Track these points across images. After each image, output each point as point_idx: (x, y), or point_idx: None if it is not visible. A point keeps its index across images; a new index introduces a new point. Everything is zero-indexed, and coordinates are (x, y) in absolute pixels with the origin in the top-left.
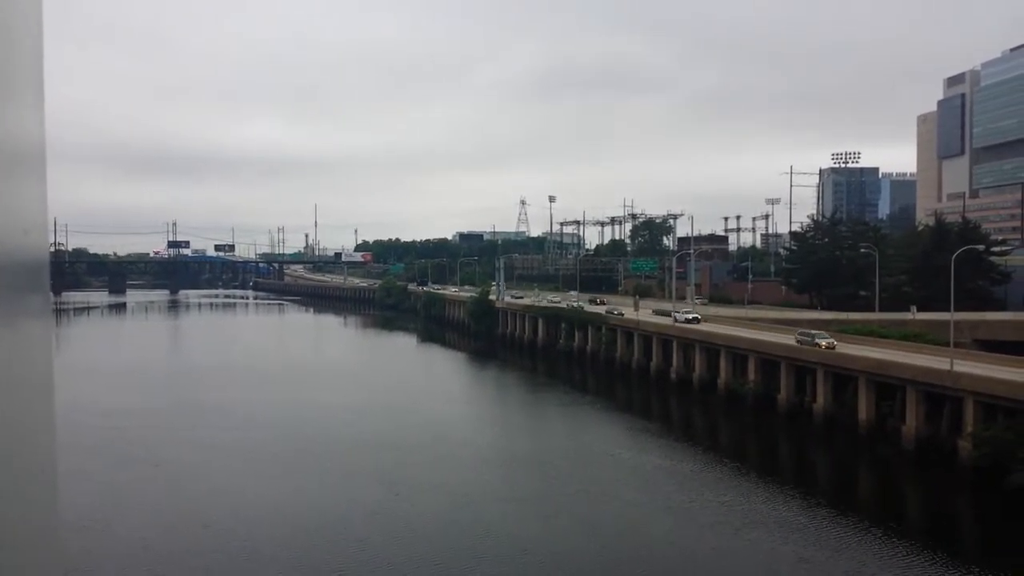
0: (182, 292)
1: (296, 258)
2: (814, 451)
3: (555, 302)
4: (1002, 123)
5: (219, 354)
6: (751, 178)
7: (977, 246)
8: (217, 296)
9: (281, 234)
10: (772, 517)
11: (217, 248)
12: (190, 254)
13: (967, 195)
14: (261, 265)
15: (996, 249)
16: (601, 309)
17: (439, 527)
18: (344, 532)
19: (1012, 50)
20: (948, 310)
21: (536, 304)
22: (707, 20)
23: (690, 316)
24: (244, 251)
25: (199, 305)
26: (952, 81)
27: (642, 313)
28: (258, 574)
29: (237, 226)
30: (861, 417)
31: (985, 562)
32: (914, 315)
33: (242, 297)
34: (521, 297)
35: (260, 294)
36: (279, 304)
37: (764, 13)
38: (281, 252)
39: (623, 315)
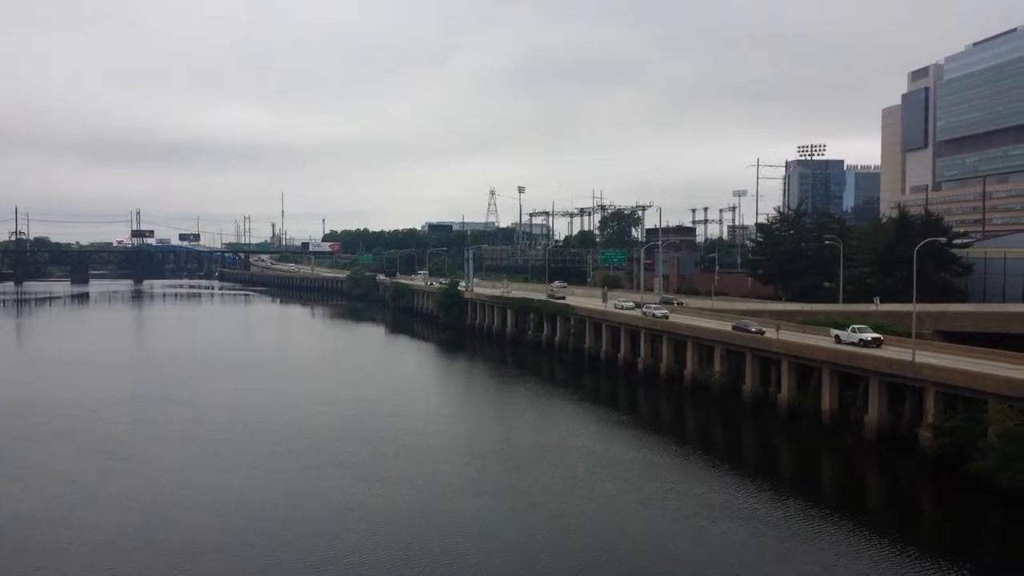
0: (146, 282)
1: (263, 248)
2: (780, 441)
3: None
4: (964, 117)
5: (184, 345)
6: (720, 169)
7: (939, 239)
8: (182, 286)
9: (247, 223)
10: (745, 508)
11: (182, 237)
12: (154, 243)
13: (930, 188)
14: (227, 255)
15: (958, 242)
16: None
17: (412, 521)
18: (316, 527)
19: (975, 44)
20: (911, 301)
21: (505, 295)
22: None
23: (658, 312)
24: (210, 240)
25: (163, 295)
26: (916, 75)
27: (610, 304)
28: (229, 572)
29: (203, 215)
30: (824, 407)
31: (947, 548)
32: (877, 306)
33: (207, 287)
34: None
35: (226, 284)
36: (245, 294)
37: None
38: (247, 242)
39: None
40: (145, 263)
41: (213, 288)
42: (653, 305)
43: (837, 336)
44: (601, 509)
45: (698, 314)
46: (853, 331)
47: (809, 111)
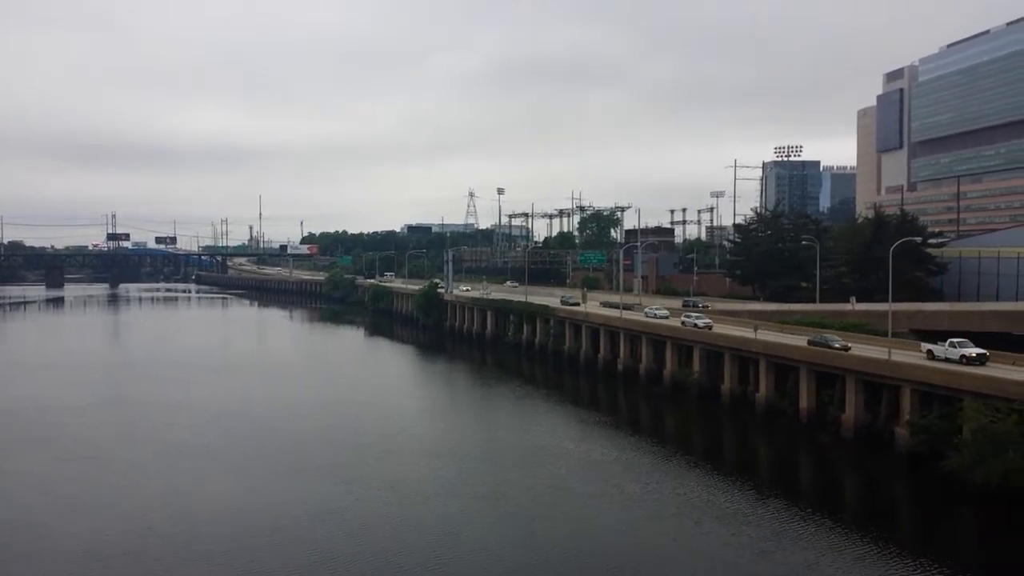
0: (122, 286)
1: (240, 250)
2: (758, 440)
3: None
4: (939, 118)
5: (161, 349)
6: (698, 170)
7: (915, 238)
8: (158, 290)
9: (224, 226)
10: (726, 508)
11: (158, 240)
12: (130, 247)
13: (905, 188)
14: (204, 258)
15: (933, 241)
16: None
17: (394, 525)
18: (297, 532)
19: (949, 46)
20: (887, 301)
21: (485, 296)
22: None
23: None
24: (186, 243)
25: (140, 299)
26: (891, 76)
27: (590, 305)
28: None
29: (179, 218)
30: (802, 406)
31: (923, 545)
32: (853, 306)
33: (184, 291)
34: (468, 290)
35: (203, 287)
36: (222, 298)
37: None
38: (225, 245)
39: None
40: (121, 266)
41: (190, 291)
42: (694, 314)
43: (930, 351)
44: (584, 510)
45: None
46: (952, 346)
47: (787, 113)
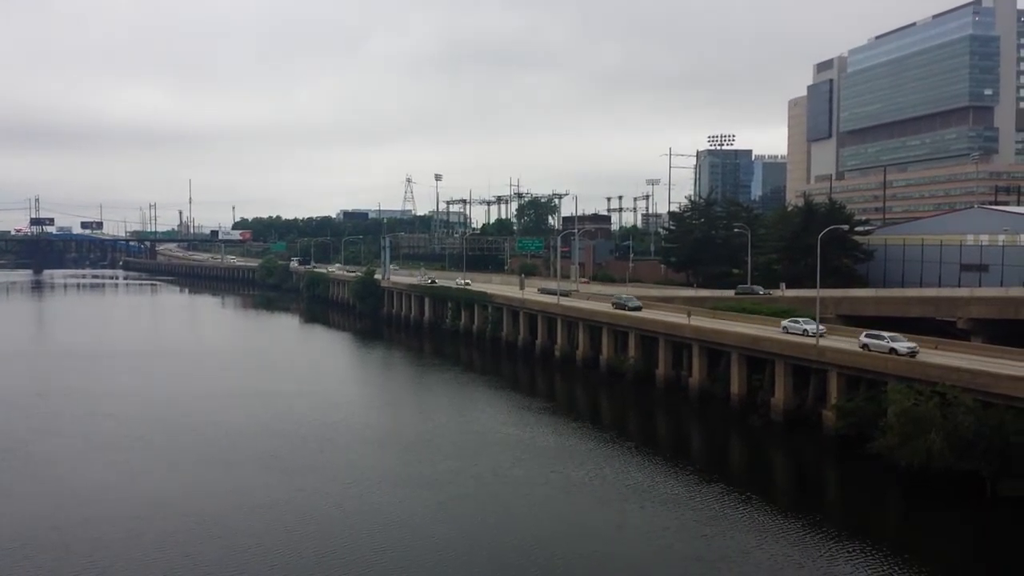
0: (46, 272)
1: (169, 236)
2: (693, 425)
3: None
4: (867, 108)
5: (88, 338)
6: (635, 157)
7: (842, 226)
8: (84, 276)
9: (153, 211)
10: (667, 492)
11: (84, 225)
12: (55, 232)
13: (834, 177)
14: (132, 243)
15: (860, 229)
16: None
17: (336, 516)
18: (235, 525)
19: (877, 38)
20: (815, 287)
21: (424, 283)
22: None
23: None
24: (114, 228)
25: (64, 286)
26: (821, 67)
27: (528, 292)
28: (144, 574)
29: (106, 202)
30: (734, 390)
31: (853, 527)
32: (783, 292)
33: (111, 277)
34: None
35: (131, 274)
36: (152, 284)
37: None
38: (153, 230)
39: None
40: (45, 252)
41: (117, 278)
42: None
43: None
44: (530, 497)
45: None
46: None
47: (722, 101)
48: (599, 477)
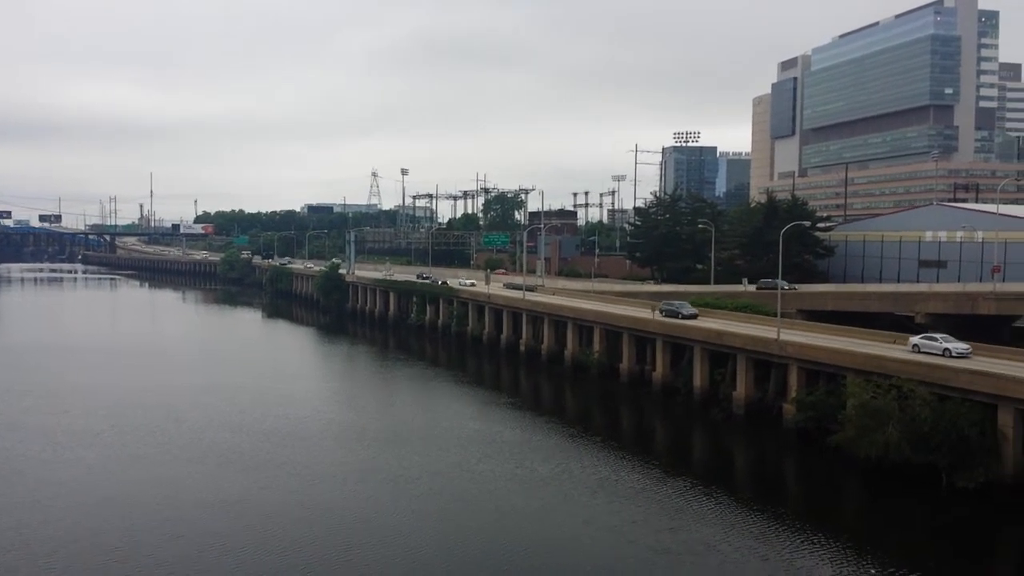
0: (3, 266)
1: (130, 230)
2: (657, 418)
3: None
4: (829, 106)
5: (45, 333)
6: (601, 153)
7: (804, 223)
8: (42, 270)
9: (113, 204)
10: (634, 486)
11: (42, 219)
12: (11, 225)
13: (796, 174)
14: (91, 237)
15: (821, 225)
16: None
17: (300, 513)
18: (195, 523)
19: (840, 37)
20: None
21: (388, 277)
22: None
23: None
24: (73, 222)
25: (22, 280)
26: (785, 65)
27: (493, 287)
28: (102, 573)
29: (65, 196)
30: (696, 384)
31: (813, 519)
32: (746, 287)
33: (70, 271)
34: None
35: (90, 268)
36: (111, 279)
37: None
38: (113, 224)
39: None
40: (1, 246)
41: (76, 272)
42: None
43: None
44: (496, 493)
45: (579, 295)
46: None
47: (688, 99)
48: (565, 472)
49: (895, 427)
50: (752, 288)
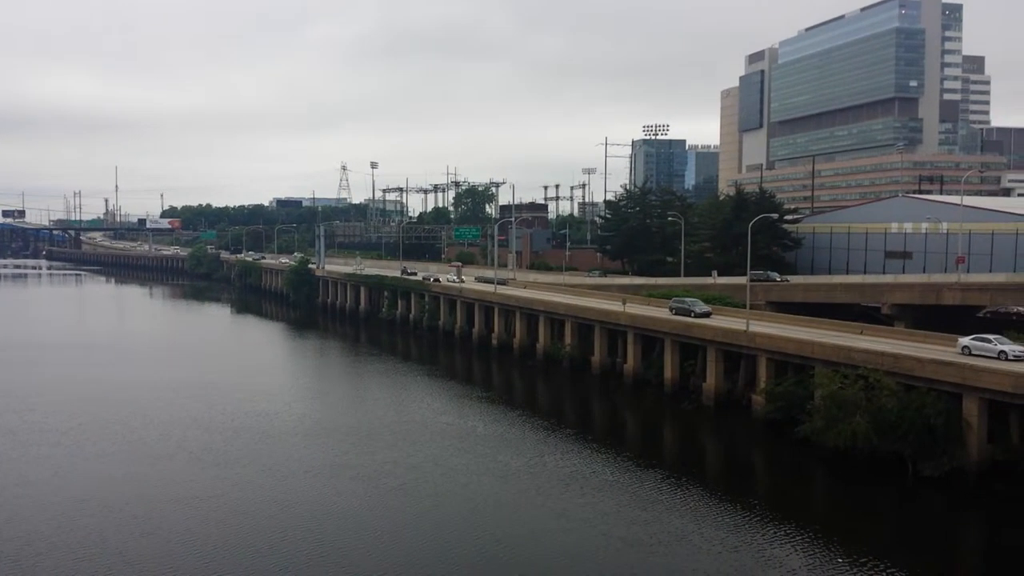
0: None
1: (95, 225)
2: (629, 411)
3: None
4: (796, 99)
5: (8, 329)
6: (572, 146)
7: (772, 215)
8: (6, 266)
9: (78, 199)
10: (606, 479)
11: (5, 214)
12: None
13: (764, 166)
14: (56, 232)
15: (789, 217)
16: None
17: (272, 510)
18: (166, 520)
19: (807, 30)
20: (746, 274)
21: (359, 272)
22: None
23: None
24: (36, 217)
25: None
26: (753, 58)
27: (465, 280)
28: (71, 572)
29: (29, 190)
30: (667, 376)
31: (783, 508)
32: (715, 279)
33: (34, 267)
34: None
35: (55, 264)
36: (76, 274)
37: None
38: (78, 219)
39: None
40: None
41: (40, 268)
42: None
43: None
44: (470, 487)
45: (549, 288)
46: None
47: (658, 92)
48: (539, 465)
49: (862, 417)
50: (722, 280)
